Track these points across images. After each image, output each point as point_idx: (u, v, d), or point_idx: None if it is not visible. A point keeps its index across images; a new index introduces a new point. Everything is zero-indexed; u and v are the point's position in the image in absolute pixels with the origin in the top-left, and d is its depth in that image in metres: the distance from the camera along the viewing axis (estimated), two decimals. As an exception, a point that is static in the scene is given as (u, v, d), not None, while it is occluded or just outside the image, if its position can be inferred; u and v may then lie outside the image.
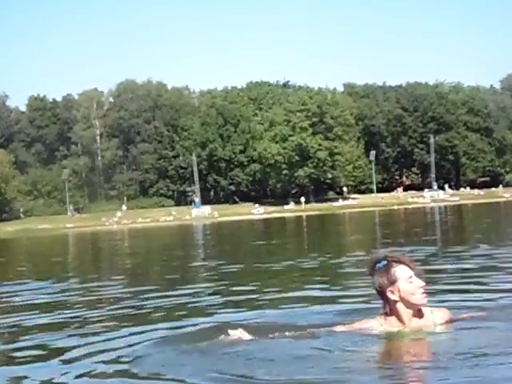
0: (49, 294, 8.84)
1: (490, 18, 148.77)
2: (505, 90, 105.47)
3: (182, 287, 8.69)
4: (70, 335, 5.48)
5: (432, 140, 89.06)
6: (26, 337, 5.50)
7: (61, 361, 4.51)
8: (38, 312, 7.02)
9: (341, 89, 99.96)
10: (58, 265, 16.57)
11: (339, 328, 4.47)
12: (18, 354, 4.89)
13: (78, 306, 7.49)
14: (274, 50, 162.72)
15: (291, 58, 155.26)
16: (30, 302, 8.06)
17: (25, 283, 10.55)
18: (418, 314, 4.37)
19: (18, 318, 6.63)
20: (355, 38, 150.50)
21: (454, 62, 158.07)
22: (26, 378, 4.12)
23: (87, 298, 8.23)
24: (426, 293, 4.34)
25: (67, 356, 4.61)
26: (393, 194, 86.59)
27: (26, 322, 6.41)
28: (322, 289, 7.64)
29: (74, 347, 4.87)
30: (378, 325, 4.36)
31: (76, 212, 79.64)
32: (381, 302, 4.41)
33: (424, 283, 4.33)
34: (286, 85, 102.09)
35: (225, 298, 7.36)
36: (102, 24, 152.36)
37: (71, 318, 6.56)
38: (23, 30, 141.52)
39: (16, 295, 8.85)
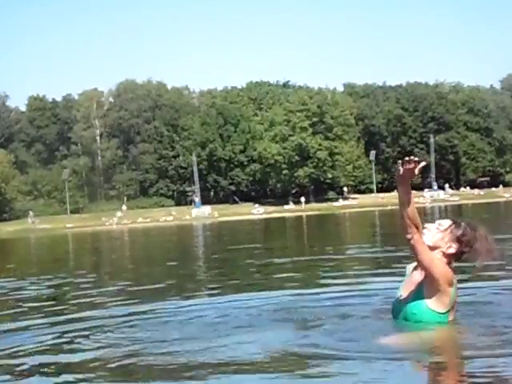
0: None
1: (489, 17, 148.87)
2: (505, 90, 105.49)
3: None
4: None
5: (432, 140, 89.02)
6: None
7: None
8: None
9: (341, 89, 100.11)
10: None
11: None
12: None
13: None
14: (274, 50, 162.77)
15: (291, 58, 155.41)
16: None
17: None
18: None
19: None
20: (355, 38, 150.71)
21: (454, 62, 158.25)
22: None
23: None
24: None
25: None
26: (393, 193, 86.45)
27: None
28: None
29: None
30: None
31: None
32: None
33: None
34: (286, 85, 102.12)
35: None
36: (101, 24, 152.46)
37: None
38: (23, 30, 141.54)
39: None
